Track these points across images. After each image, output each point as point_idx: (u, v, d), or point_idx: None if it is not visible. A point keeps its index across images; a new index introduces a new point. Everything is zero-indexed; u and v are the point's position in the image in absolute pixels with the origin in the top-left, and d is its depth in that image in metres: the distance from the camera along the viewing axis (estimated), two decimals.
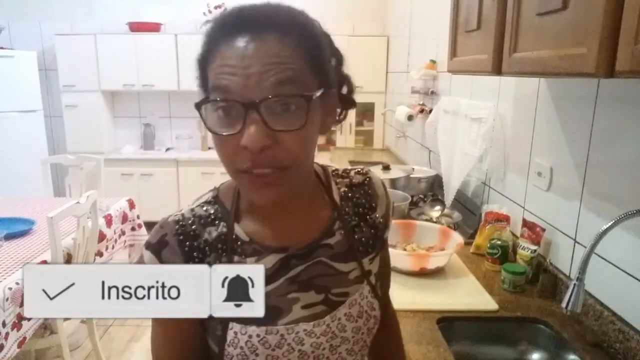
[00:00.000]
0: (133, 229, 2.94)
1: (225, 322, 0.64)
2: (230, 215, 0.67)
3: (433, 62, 2.78)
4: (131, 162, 4.39)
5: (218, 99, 0.55)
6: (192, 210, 0.67)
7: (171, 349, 0.70)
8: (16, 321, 1.78)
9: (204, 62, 0.59)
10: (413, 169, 2.52)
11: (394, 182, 2.30)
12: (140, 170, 4.37)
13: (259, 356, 0.64)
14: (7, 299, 1.73)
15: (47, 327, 2.08)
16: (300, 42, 0.56)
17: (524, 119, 1.63)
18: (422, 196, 2.33)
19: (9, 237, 2.23)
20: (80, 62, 4.31)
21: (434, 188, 2.45)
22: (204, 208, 0.68)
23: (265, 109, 0.54)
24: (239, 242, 0.66)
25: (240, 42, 0.54)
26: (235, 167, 0.57)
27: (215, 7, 4.34)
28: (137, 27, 4.38)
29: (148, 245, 0.65)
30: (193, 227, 0.65)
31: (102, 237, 2.49)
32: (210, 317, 0.60)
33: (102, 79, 4.36)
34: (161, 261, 0.64)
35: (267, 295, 0.62)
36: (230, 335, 0.64)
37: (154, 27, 4.43)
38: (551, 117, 1.45)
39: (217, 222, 0.66)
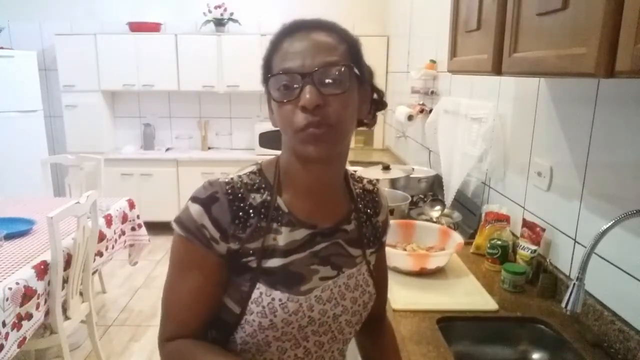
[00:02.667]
0: (133, 229, 2.95)
1: (254, 280, 0.73)
2: (274, 187, 0.77)
3: (433, 62, 2.78)
4: (131, 162, 4.39)
5: (281, 72, 0.69)
6: (240, 176, 0.77)
7: (194, 299, 0.74)
8: (16, 321, 1.79)
9: (269, 58, 0.73)
10: (413, 169, 2.51)
11: (394, 182, 2.30)
12: (140, 170, 4.37)
13: (277, 318, 0.73)
14: (7, 299, 1.73)
15: (47, 327, 2.08)
16: (342, 38, 0.73)
17: (524, 119, 1.63)
18: (422, 196, 2.32)
19: (9, 237, 2.23)
20: (80, 62, 4.31)
21: (434, 188, 2.45)
22: (250, 177, 0.77)
23: (317, 79, 0.68)
24: (280, 212, 0.76)
25: (298, 38, 0.70)
26: (293, 127, 0.69)
27: (215, 7, 4.35)
28: (137, 27, 4.38)
29: (196, 199, 0.73)
30: (241, 190, 0.75)
31: (102, 237, 2.49)
32: (242, 273, 0.73)
33: (102, 79, 4.36)
34: (210, 215, 0.72)
35: (294, 262, 0.75)
36: (256, 293, 0.73)
37: (154, 27, 4.43)
38: (551, 117, 1.45)
39: (261, 190, 0.76)
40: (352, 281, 0.81)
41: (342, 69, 0.70)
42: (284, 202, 0.76)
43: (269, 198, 0.76)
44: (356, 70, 0.72)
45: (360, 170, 0.95)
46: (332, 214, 0.80)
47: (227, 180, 0.75)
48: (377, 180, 0.95)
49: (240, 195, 0.74)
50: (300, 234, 0.76)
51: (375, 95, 0.80)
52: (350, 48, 0.73)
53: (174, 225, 0.74)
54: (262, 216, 0.74)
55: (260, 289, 0.72)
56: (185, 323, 0.75)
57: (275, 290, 0.72)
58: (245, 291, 0.73)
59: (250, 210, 0.74)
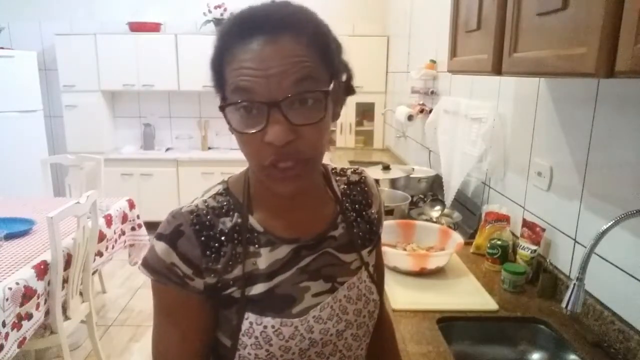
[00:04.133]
0: (133, 229, 2.95)
1: (241, 311, 0.66)
2: (244, 207, 0.69)
3: (433, 62, 2.78)
4: (131, 162, 4.38)
5: (241, 100, 0.58)
6: (205, 201, 0.69)
7: (181, 353, 0.68)
8: (16, 321, 1.78)
9: (219, 63, 0.62)
10: (413, 169, 2.51)
11: (394, 182, 2.30)
12: (140, 170, 4.37)
13: (273, 346, 0.65)
14: (7, 299, 1.73)
15: (47, 327, 2.08)
16: (312, 39, 0.59)
17: (524, 119, 1.63)
18: (422, 196, 2.32)
19: (9, 237, 2.23)
20: (80, 62, 4.31)
21: (434, 188, 2.45)
22: (216, 199, 0.69)
23: (287, 106, 0.57)
24: (254, 233, 0.68)
25: (257, 45, 0.57)
26: (260, 162, 0.60)
27: (215, 7, 4.35)
28: (137, 27, 4.38)
29: (160, 237, 0.65)
30: (208, 217, 0.66)
31: (102, 237, 2.49)
32: (227, 306, 0.66)
33: (102, 79, 4.36)
34: (177, 251, 0.64)
35: (281, 284, 0.68)
36: (245, 325, 0.66)
37: (154, 27, 4.43)
38: (551, 117, 1.45)
39: (230, 212, 0.68)
40: (354, 292, 0.73)
41: (318, 94, 0.59)
42: (257, 221, 0.68)
43: (239, 220, 0.67)
44: (331, 87, 0.61)
45: (360, 167, 0.87)
46: (315, 222, 0.72)
47: (191, 208, 0.66)
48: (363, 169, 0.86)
49: (207, 223, 0.66)
50: (282, 251, 0.68)
51: (344, 76, 0.68)
52: (322, 47, 0.61)
53: (142, 269, 0.66)
54: (235, 242, 0.66)
55: (249, 318, 0.65)
56: None
57: (265, 317, 0.65)
58: (235, 324, 0.66)
59: (222, 238, 0.66)
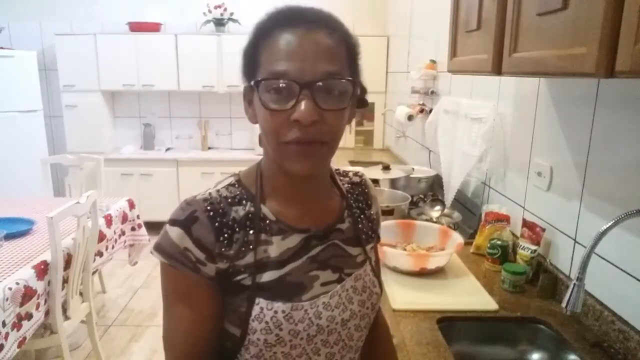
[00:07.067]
0: (133, 229, 2.95)
1: (251, 297, 0.68)
2: (256, 197, 0.72)
3: (433, 62, 2.78)
4: (131, 162, 4.39)
5: (276, 79, 0.63)
6: (218, 191, 0.72)
7: (192, 334, 0.69)
8: (16, 321, 1.79)
9: (254, 50, 0.67)
10: (413, 169, 2.51)
11: (394, 182, 2.30)
12: (140, 170, 4.37)
13: (283, 331, 0.68)
14: (7, 299, 1.73)
15: (47, 327, 2.08)
16: (343, 39, 0.67)
17: (524, 119, 1.63)
18: (422, 196, 2.32)
19: (9, 237, 2.23)
20: (80, 62, 4.31)
21: (434, 188, 2.45)
22: (229, 190, 0.72)
23: (316, 91, 0.62)
24: (267, 221, 0.71)
25: (296, 34, 0.63)
26: (280, 138, 0.64)
27: (215, 7, 4.35)
28: (137, 27, 4.38)
29: (174, 222, 0.67)
30: (221, 205, 0.69)
31: (102, 237, 2.49)
32: (237, 293, 0.68)
33: (102, 79, 4.36)
34: (191, 236, 0.66)
35: (292, 272, 0.71)
36: (256, 310, 0.67)
37: (154, 27, 4.43)
38: (551, 117, 1.45)
39: (243, 202, 0.71)
40: (360, 283, 0.77)
41: (346, 83, 0.65)
42: (270, 211, 0.71)
43: (252, 209, 0.70)
44: (357, 81, 0.67)
45: (360, 170, 0.92)
46: (324, 214, 0.76)
47: (204, 197, 0.69)
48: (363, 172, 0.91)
49: (221, 210, 0.68)
50: (294, 240, 0.71)
51: (358, 91, 0.74)
52: (350, 50, 0.68)
53: (155, 253, 0.68)
54: (247, 229, 0.69)
55: (260, 304, 0.67)
56: (189, 357, 0.70)
57: (276, 302, 0.68)
58: (244, 311, 0.68)
59: (235, 225, 0.68)
